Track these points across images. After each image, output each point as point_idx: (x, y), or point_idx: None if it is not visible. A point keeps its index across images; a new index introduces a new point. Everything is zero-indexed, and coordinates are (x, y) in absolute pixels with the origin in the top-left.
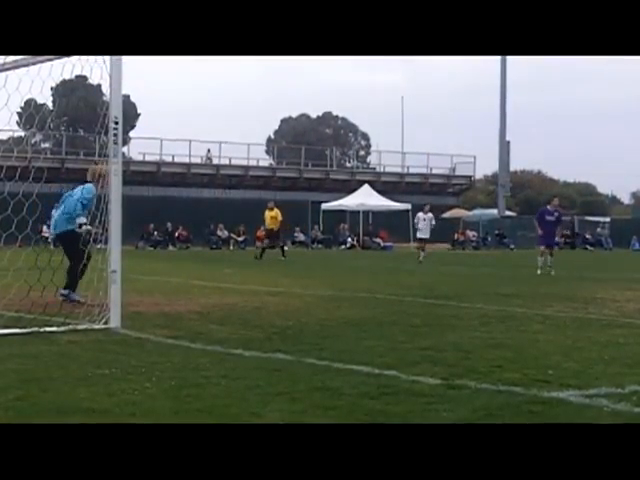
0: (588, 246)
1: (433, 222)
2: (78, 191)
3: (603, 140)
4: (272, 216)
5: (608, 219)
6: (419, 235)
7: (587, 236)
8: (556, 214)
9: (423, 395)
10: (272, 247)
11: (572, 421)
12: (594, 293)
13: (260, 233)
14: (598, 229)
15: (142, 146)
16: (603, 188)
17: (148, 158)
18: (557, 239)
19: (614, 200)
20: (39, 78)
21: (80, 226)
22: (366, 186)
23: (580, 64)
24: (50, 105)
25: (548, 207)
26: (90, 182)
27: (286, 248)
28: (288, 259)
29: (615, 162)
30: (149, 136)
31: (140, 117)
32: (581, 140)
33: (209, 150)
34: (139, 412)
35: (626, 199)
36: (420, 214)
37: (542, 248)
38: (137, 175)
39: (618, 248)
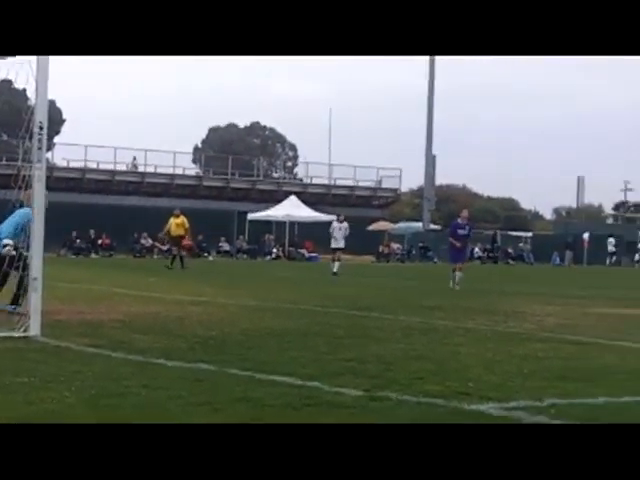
0: (510, 260)
1: (347, 231)
2: (17, 215)
3: (526, 156)
4: (177, 223)
5: (530, 234)
6: (334, 245)
7: (509, 250)
8: (467, 227)
9: (345, 407)
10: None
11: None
12: (515, 307)
13: (186, 242)
14: (520, 244)
15: (67, 152)
16: (526, 203)
17: (72, 164)
18: (478, 252)
19: (536, 215)
20: None
21: (4, 246)
22: (293, 197)
23: (509, 79)
24: None
25: (459, 220)
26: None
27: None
28: (213, 268)
29: (538, 178)
30: (74, 142)
31: (65, 123)
32: (505, 156)
33: (135, 157)
34: (58, 421)
35: (548, 214)
36: (335, 223)
37: (456, 265)
38: (61, 181)
39: (539, 263)
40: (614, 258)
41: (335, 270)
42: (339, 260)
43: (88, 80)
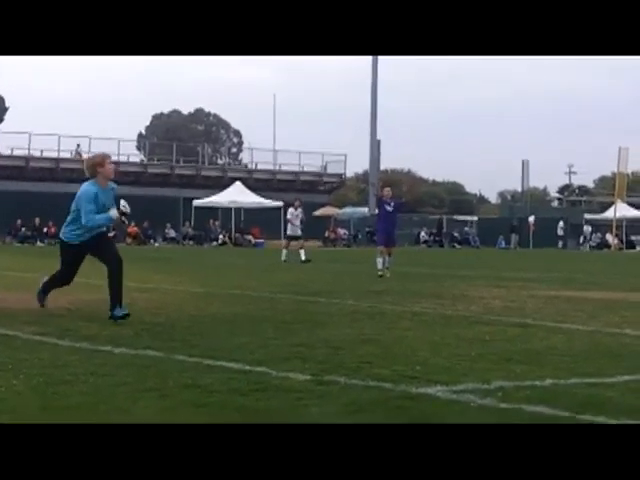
0: (456, 244)
1: (303, 218)
2: None
3: (472, 140)
4: None
5: (475, 218)
6: (290, 232)
7: (455, 234)
8: (393, 204)
9: (293, 391)
10: None
11: (440, 416)
12: (462, 290)
13: (131, 228)
14: (466, 228)
15: (10, 140)
16: (471, 187)
17: (16, 152)
18: (424, 236)
19: (482, 199)
20: None
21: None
22: (238, 183)
23: (452, 62)
24: None
25: (383, 198)
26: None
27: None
28: (159, 255)
29: (483, 162)
30: (17, 130)
31: (9, 111)
32: (451, 140)
33: (79, 145)
34: (6, 409)
35: (493, 198)
36: (291, 209)
37: (381, 248)
38: (5, 170)
39: (485, 246)
40: (562, 242)
41: (303, 258)
42: (302, 248)
43: (30, 68)
